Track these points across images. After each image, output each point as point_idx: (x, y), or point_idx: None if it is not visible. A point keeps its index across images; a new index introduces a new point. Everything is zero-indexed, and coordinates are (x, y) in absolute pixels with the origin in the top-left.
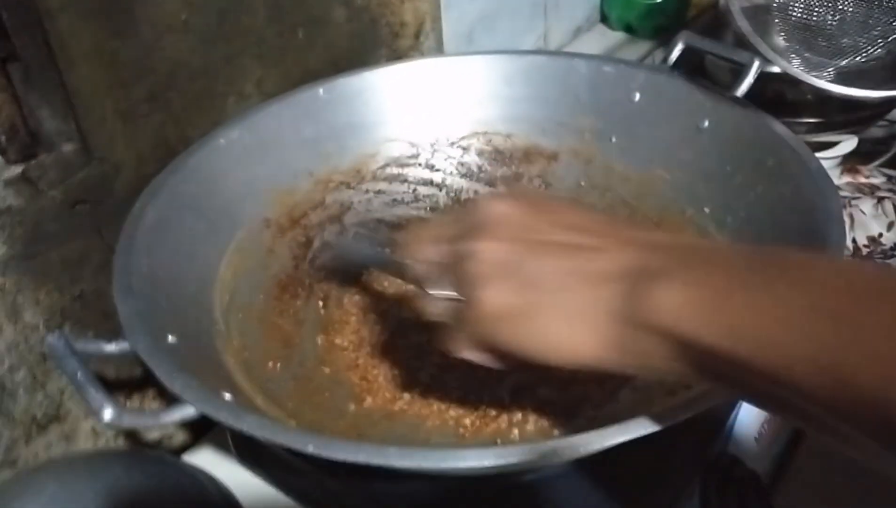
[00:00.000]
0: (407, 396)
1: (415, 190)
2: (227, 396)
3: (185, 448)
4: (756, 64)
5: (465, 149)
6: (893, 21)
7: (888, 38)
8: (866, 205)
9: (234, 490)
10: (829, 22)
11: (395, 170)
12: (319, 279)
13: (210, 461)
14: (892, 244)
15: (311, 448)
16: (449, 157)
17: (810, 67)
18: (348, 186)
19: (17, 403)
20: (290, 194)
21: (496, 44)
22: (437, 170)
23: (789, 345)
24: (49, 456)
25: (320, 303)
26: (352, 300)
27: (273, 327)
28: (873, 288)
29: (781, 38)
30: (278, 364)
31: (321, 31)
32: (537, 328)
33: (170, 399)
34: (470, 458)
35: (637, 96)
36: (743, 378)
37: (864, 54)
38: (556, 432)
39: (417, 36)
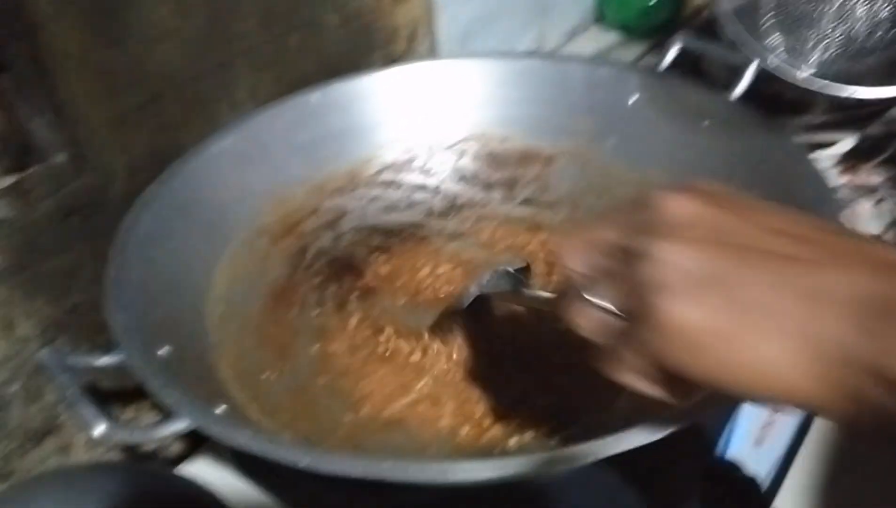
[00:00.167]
0: (403, 405)
1: (410, 195)
2: (221, 409)
3: (184, 457)
4: (753, 64)
5: (460, 153)
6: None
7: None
8: (865, 205)
9: (232, 501)
10: (823, 12)
11: (390, 176)
12: (316, 286)
13: (208, 470)
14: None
15: (305, 463)
16: (444, 161)
17: (800, 61)
18: (343, 192)
19: (12, 416)
20: (284, 201)
21: (491, 46)
22: (433, 175)
23: None
24: (44, 469)
25: (316, 311)
26: (349, 308)
27: (268, 336)
28: None
29: (775, 35)
30: (273, 375)
31: (314, 37)
32: (739, 353)
33: (166, 411)
34: (466, 471)
35: (633, 99)
36: None
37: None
38: (553, 441)
39: (411, 40)
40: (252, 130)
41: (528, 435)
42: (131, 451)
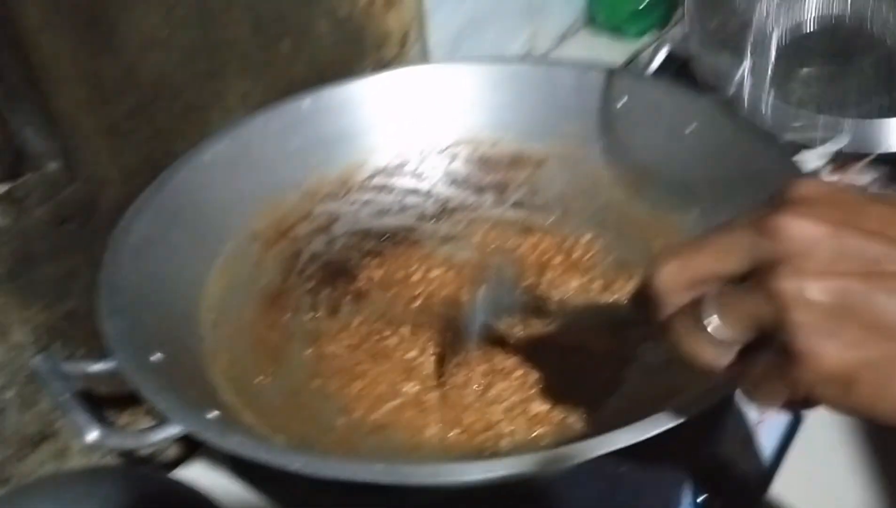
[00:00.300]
0: (396, 408)
1: (402, 199)
2: (214, 413)
3: (180, 461)
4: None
5: (451, 157)
6: None
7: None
8: None
9: (228, 504)
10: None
11: (382, 180)
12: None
13: (204, 474)
14: None
15: (297, 466)
16: (436, 165)
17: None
18: (335, 197)
19: (8, 422)
20: (277, 206)
21: (482, 49)
22: (425, 179)
23: None
24: (41, 474)
25: (310, 316)
26: (342, 312)
27: (261, 341)
28: None
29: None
30: (267, 379)
31: (305, 43)
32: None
33: (161, 416)
34: (457, 473)
35: (622, 102)
36: None
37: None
38: (545, 441)
39: (402, 44)
40: (244, 136)
41: (521, 436)
42: (128, 455)
